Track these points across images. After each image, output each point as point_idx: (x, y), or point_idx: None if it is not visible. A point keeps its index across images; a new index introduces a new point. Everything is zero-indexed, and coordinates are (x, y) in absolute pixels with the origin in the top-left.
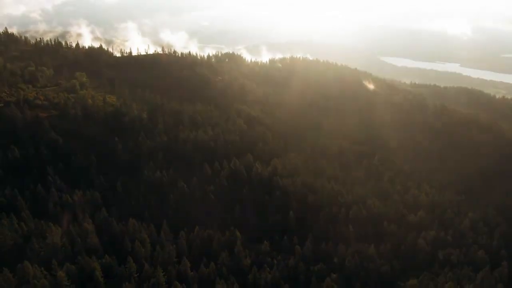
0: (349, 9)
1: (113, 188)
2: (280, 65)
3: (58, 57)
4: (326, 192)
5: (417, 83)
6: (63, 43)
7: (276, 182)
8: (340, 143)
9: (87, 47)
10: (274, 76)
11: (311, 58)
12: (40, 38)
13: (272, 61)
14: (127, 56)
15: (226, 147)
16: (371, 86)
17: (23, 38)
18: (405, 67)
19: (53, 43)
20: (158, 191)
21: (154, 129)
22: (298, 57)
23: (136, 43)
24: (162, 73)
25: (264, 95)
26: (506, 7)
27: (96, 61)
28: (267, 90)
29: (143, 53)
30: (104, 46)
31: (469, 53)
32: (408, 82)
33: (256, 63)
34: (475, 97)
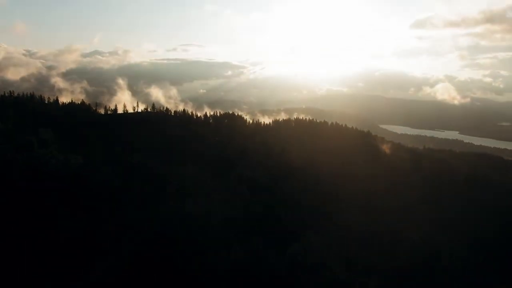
0: (339, 82)
1: None
2: (284, 126)
3: (27, 111)
4: None
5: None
6: (38, 97)
7: (297, 279)
8: (367, 218)
9: (66, 103)
10: (279, 138)
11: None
12: (10, 91)
13: (276, 122)
14: (111, 114)
15: (225, 226)
16: (388, 149)
17: None
18: (406, 134)
19: (25, 96)
20: None
21: (127, 198)
22: (304, 118)
23: (124, 100)
24: (149, 131)
25: (270, 159)
26: (492, 79)
27: (73, 117)
28: (273, 153)
29: (130, 111)
30: (87, 103)
31: (466, 121)
32: (420, 147)
33: (258, 123)
34: (496, 164)
